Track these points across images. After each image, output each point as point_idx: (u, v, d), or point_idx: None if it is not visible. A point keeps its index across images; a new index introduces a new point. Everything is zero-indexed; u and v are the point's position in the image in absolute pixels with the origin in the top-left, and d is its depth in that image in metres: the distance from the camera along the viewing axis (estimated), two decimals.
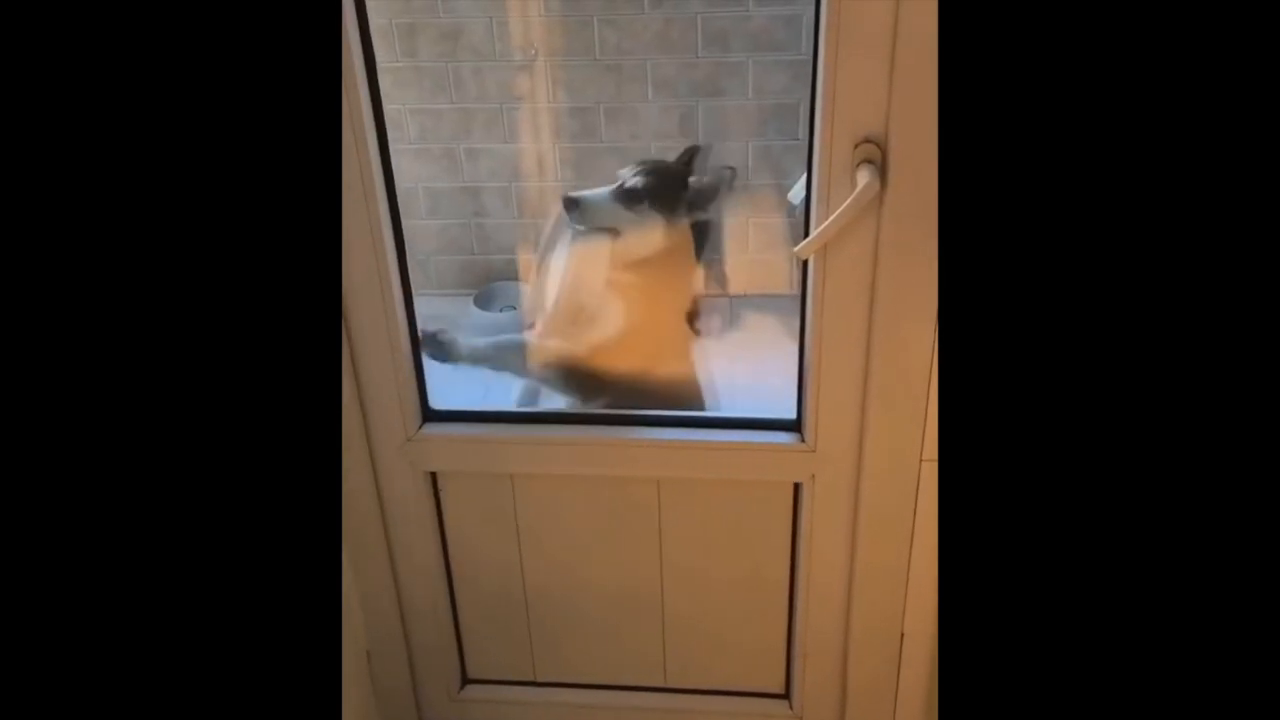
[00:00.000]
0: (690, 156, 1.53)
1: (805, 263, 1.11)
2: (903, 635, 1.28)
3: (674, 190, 1.46)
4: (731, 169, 1.56)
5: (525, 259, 2.74)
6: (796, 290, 1.17)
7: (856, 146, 1.00)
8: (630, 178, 1.46)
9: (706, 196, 1.47)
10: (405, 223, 1.18)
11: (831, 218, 1.02)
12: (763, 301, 2.28)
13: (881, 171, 1.00)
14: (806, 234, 1.07)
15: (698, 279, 1.57)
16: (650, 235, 1.44)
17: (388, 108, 1.12)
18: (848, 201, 1.00)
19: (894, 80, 0.97)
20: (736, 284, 2.35)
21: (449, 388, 1.33)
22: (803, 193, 1.10)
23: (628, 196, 1.44)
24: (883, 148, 1.00)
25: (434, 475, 1.30)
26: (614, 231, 1.44)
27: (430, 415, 1.27)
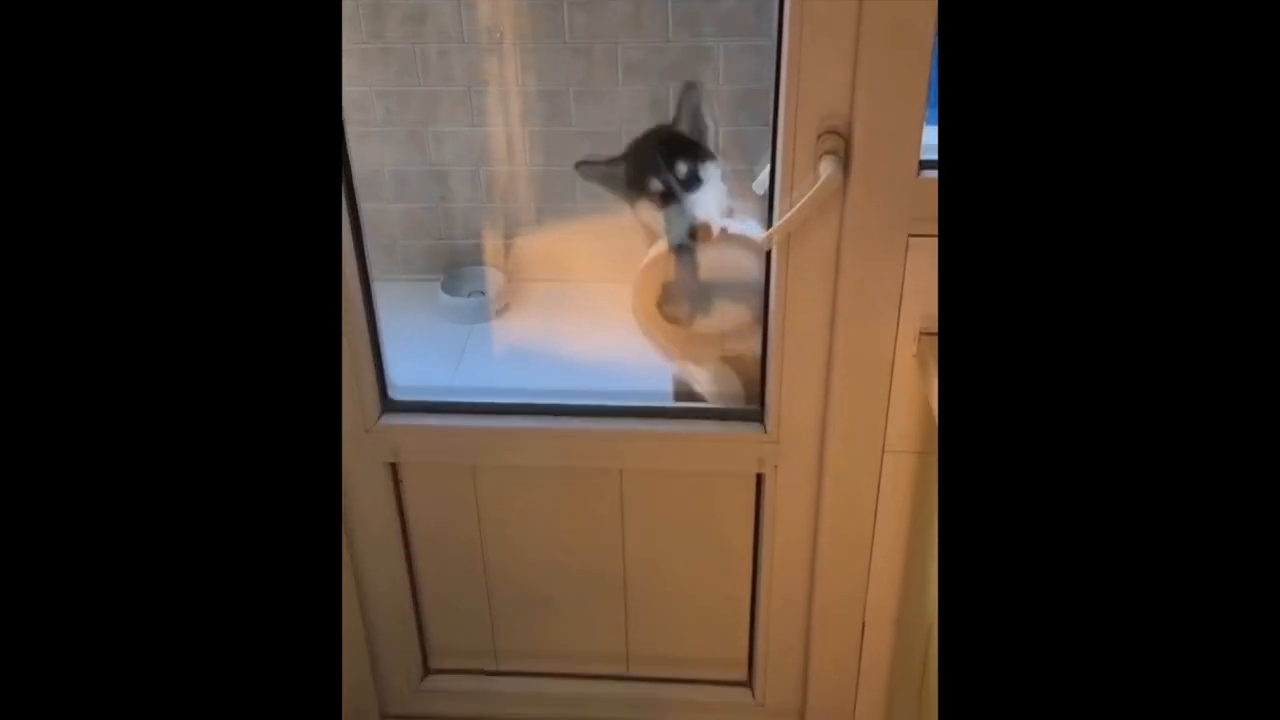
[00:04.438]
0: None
1: (769, 253, 1.10)
2: (864, 626, 1.29)
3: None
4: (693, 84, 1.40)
5: (493, 243, 2.72)
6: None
7: (820, 137, 1.00)
8: (680, 169, 1.33)
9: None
10: (371, 206, 1.16)
11: (794, 209, 1.01)
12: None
13: (845, 163, 1.00)
14: (770, 224, 1.07)
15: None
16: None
17: (354, 89, 1.10)
18: (810, 194, 0.99)
19: (858, 71, 0.96)
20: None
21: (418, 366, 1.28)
22: (766, 183, 1.09)
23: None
24: (846, 139, 0.99)
25: (394, 466, 1.28)
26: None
27: (390, 405, 1.25)
